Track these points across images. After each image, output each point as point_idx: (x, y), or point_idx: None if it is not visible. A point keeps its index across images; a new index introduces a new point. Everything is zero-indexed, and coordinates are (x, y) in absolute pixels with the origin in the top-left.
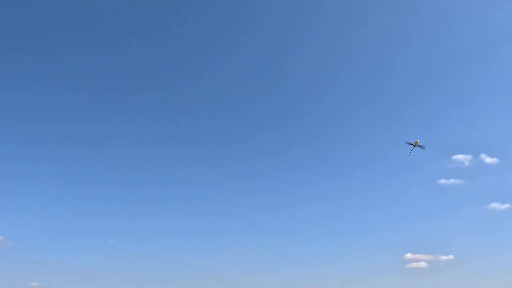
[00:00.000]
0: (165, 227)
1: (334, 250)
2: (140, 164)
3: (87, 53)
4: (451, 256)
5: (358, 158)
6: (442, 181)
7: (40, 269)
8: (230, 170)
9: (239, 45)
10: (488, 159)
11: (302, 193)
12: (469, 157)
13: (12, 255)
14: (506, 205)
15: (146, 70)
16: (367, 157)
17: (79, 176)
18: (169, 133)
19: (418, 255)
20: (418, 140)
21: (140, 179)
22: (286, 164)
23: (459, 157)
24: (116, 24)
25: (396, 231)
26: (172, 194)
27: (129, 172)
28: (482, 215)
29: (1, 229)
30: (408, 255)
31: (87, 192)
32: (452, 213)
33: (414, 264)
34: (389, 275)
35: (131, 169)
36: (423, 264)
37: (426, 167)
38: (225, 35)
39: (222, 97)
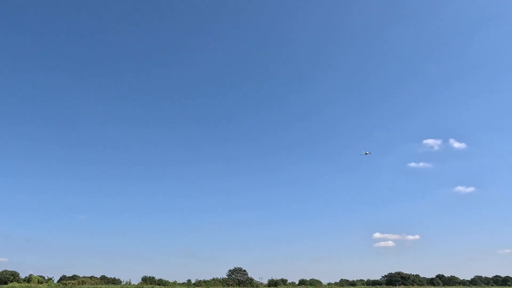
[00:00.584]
0: (139, 205)
1: (306, 229)
2: (115, 143)
3: (68, 36)
4: (417, 236)
5: (332, 142)
6: (412, 164)
7: (8, 245)
8: (206, 151)
9: (223, 29)
10: (457, 144)
11: (276, 175)
12: (438, 141)
13: None
14: (471, 189)
15: (129, 53)
16: (340, 141)
17: (52, 153)
18: (144, 114)
19: (386, 235)
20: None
21: (114, 157)
22: (262, 146)
23: (429, 141)
24: (99, 9)
25: (366, 212)
26: (146, 172)
27: (103, 150)
28: (448, 197)
29: None
30: (377, 235)
31: (59, 169)
32: (420, 195)
33: (382, 243)
34: (358, 253)
35: (105, 147)
36: (390, 243)
37: (398, 150)
38: (209, 20)
39: (202, 80)
